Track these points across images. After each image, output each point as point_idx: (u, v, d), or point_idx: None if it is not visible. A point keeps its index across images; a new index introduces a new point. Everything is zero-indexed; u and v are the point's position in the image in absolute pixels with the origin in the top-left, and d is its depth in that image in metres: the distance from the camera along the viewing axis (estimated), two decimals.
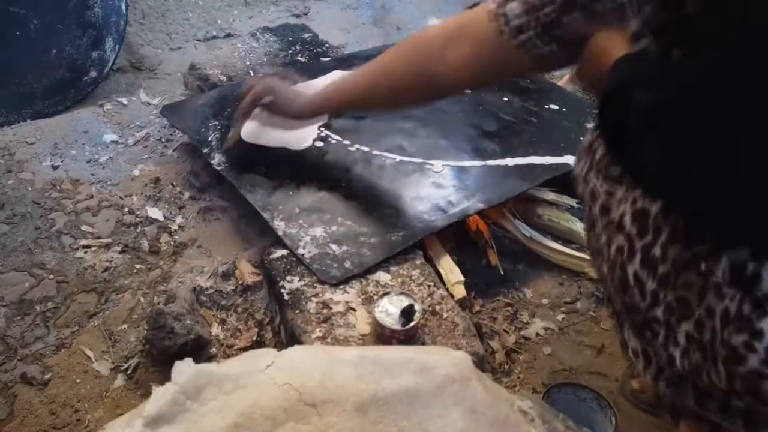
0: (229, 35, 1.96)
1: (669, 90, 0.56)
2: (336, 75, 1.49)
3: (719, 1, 0.53)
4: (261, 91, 1.14)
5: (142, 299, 1.13)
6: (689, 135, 0.54)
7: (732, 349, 0.53)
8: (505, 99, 1.46)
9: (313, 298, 0.97)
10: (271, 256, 1.05)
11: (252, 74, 1.57)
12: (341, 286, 0.99)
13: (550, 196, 1.27)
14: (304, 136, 1.27)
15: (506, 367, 1.03)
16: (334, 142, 1.27)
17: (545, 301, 1.15)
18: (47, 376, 1.00)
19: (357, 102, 1.07)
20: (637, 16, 0.64)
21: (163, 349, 0.98)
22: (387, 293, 0.93)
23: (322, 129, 1.30)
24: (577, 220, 1.23)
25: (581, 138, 0.72)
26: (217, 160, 1.24)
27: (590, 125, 0.71)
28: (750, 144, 0.49)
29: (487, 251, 1.19)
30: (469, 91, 1.46)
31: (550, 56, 0.78)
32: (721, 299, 0.53)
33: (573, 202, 1.25)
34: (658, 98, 0.56)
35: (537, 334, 1.09)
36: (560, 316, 1.12)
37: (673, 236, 0.57)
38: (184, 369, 0.70)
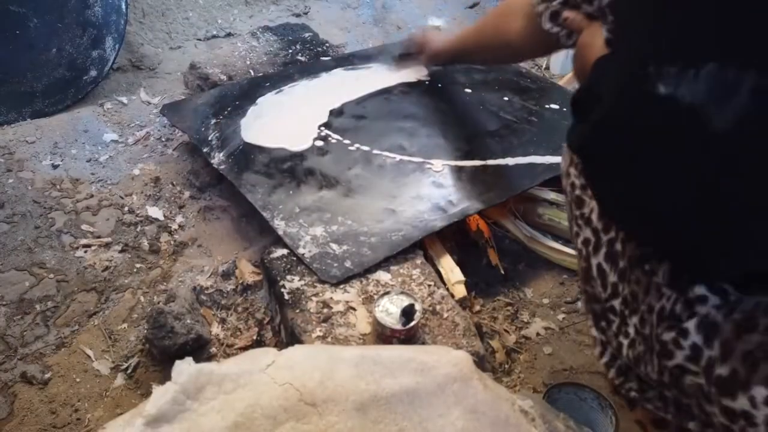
0: (229, 34, 1.96)
1: (585, 129, 0.62)
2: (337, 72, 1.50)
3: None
4: (416, 36, 1.51)
5: (142, 298, 1.13)
6: (603, 167, 0.60)
7: (663, 344, 0.57)
8: (506, 98, 1.46)
9: (314, 298, 0.97)
10: (272, 256, 1.05)
11: (252, 74, 1.57)
12: (341, 286, 0.99)
13: (551, 195, 1.26)
14: (303, 137, 1.27)
15: (507, 366, 1.03)
16: (334, 141, 1.27)
17: (546, 300, 1.15)
18: (47, 376, 0.99)
19: (465, 54, 1.31)
20: (605, 24, 0.67)
21: (163, 349, 0.98)
22: (387, 293, 0.93)
23: (322, 128, 1.30)
24: None
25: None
26: (218, 159, 1.24)
27: None
28: (648, 164, 0.54)
29: (488, 251, 1.19)
30: (469, 90, 1.47)
31: (558, 37, 0.86)
32: (659, 298, 0.57)
33: None
34: (583, 134, 0.63)
35: (537, 334, 1.09)
36: (561, 316, 1.12)
37: (629, 234, 0.62)
38: (184, 368, 0.70)
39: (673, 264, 0.57)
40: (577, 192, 0.69)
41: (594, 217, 0.66)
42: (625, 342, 0.63)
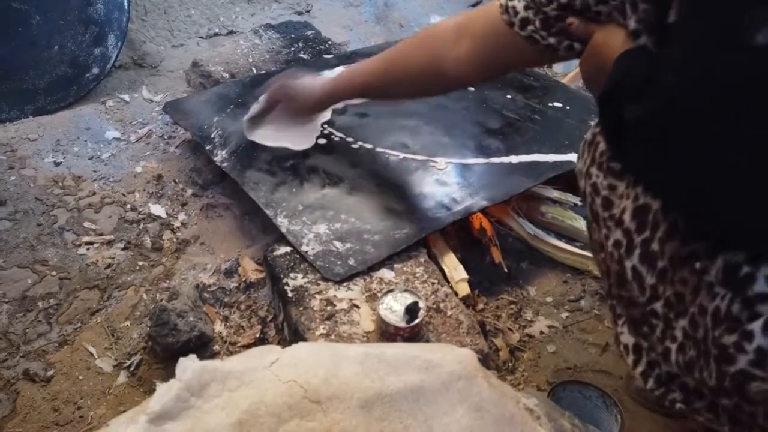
0: (231, 32, 1.96)
1: (654, 102, 0.56)
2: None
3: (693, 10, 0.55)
4: (276, 90, 1.20)
5: (144, 296, 1.13)
6: (675, 144, 0.55)
7: (723, 349, 0.53)
8: (509, 96, 1.45)
9: (317, 296, 0.97)
10: (275, 253, 1.05)
11: (254, 71, 1.57)
12: (345, 284, 0.99)
13: (554, 193, 1.26)
14: (306, 138, 1.27)
15: (510, 365, 1.03)
16: (337, 139, 1.27)
17: (549, 299, 1.15)
18: (50, 373, 0.99)
19: (369, 90, 1.08)
20: (634, 14, 0.64)
21: (166, 346, 0.98)
22: (391, 290, 0.93)
23: (326, 126, 1.30)
24: (581, 217, 1.22)
25: (585, 136, 0.72)
26: (220, 156, 1.24)
27: (593, 121, 0.71)
28: (732, 148, 0.50)
29: (491, 249, 1.18)
30: (472, 89, 1.46)
31: (555, 48, 0.79)
32: (712, 298, 0.54)
33: (577, 199, 1.25)
34: (645, 111, 0.57)
35: (541, 332, 1.08)
36: (564, 314, 1.12)
37: (671, 232, 0.58)
38: (188, 365, 0.69)
39: (727, 257, 0.53)
40: (604, 193, 0.65)
41: (626, 217, 0.62)
42: (673, 347, 0.59)
